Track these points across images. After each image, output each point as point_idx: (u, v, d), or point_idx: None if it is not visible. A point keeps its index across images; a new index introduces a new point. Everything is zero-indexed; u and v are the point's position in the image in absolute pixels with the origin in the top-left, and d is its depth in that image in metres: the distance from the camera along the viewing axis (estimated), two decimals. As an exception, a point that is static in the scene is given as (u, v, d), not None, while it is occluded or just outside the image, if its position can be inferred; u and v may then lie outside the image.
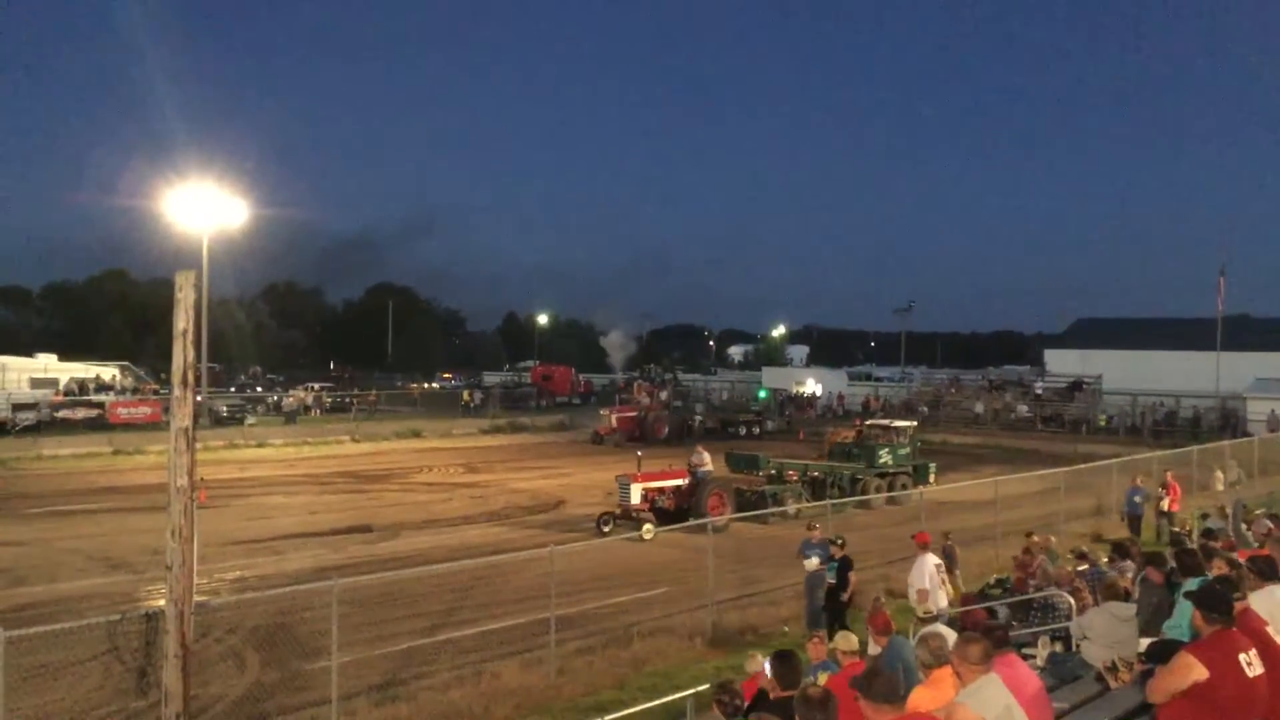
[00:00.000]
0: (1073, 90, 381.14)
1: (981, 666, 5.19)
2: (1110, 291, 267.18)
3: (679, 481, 25.73)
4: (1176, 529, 19.73)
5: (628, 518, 24.74)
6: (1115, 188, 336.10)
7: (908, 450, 32.16)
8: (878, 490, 29.32)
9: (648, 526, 23.52)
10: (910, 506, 25.95)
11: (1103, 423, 52.20)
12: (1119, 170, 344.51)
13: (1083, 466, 27.09)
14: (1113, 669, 8.18)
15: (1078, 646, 9.88)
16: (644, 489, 25.12)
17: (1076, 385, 57.52)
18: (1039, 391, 59.46)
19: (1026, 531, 17.55)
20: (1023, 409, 55.80)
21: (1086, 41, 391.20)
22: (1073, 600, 11.96)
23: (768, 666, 7.10)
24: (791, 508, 26.35)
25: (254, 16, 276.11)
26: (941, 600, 13.19)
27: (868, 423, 35.92)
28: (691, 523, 22.35)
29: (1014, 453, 44.32)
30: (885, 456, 31.12)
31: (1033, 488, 26.22)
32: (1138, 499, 23.06)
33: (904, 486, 30.16)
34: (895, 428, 33.09)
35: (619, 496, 25.31)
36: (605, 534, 23.62)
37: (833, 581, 14.97)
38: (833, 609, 14.84)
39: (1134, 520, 22.88)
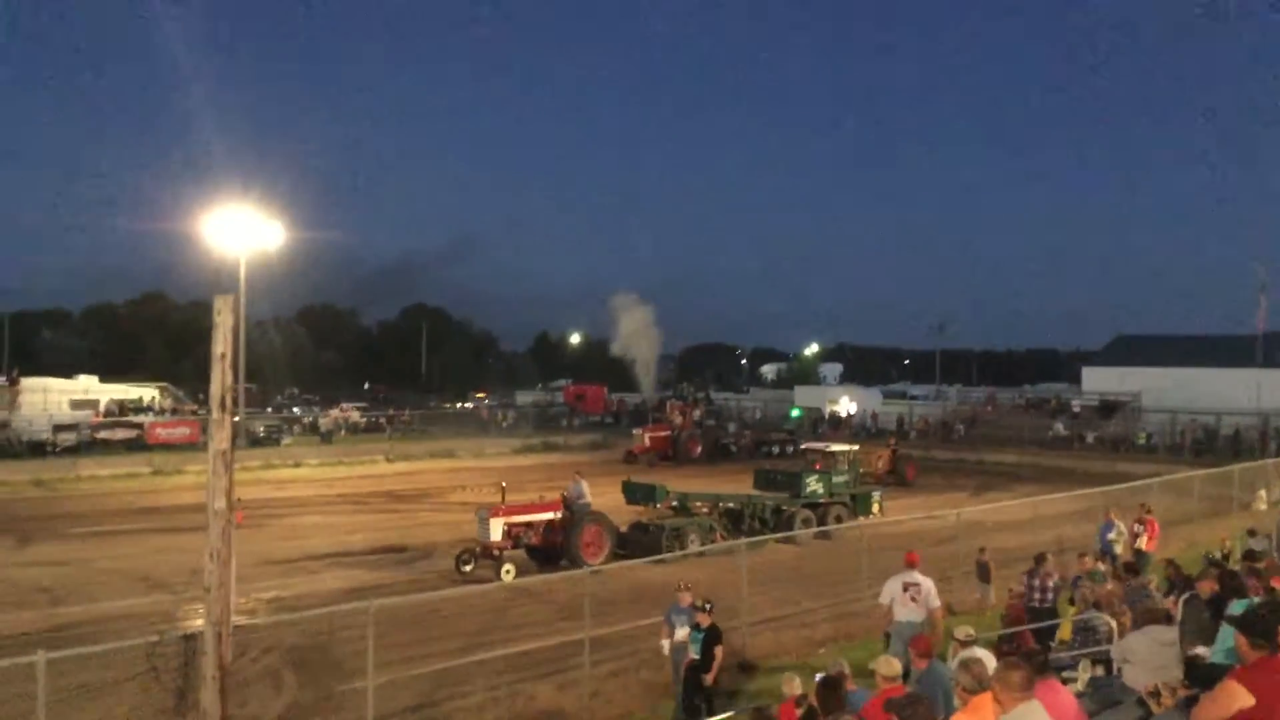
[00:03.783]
0: (1112, 103, 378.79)
1: (1023, 693, 5.13)
2: (1149, 308, 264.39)
3: (550, 515, 22.77)
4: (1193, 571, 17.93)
5: (489, 556, 21.81)
6: (1154, 202, 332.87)
7: (846, 478, 29.06)
8: (805, 523, 26.00)
9: (508, 567, 21.02)
10: (850, 538, 23.85)
11: (1142, 441, 51.59)
12: (1158, 185, 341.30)
13: (1122, 486, 26.77)
14: (1155, 694, 8.05)
15: (1119, 670, 9.75)
16: (506, 524, 21.97)
17: (1111, 406, 56.90)
18: (1076, 410, 58.91)
19: (1080, 553, 17.37)
20: (1060, 427, 55.26)
21: (1127, 55, 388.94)
22: (1113, 623, 11.81)
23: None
24: (695, 546, 23.02)
25: (293, 45, 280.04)
26: (904, 616, 13.20)
27: (803, 446, 33.76)
28: (562, 574, 19.60)
29: (1052, 471, 43.90)
30: (814, 485, 27.91)
31: (1071, 507, 25.93)
32: (1110, 536, 20.37)
33: (838, 519, 27.03)
34: (832, 452, 30.37)
35: (478, 532, 22.29)
36: (465, 574, 21.25)
37: (695, 657, 12.06)
38: (696, 692, 12.03)
39: (1106, 560, 20.04)
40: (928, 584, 13.45)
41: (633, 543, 23.45)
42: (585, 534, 22.50)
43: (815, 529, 25.27)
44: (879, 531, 21.97)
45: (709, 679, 11.80)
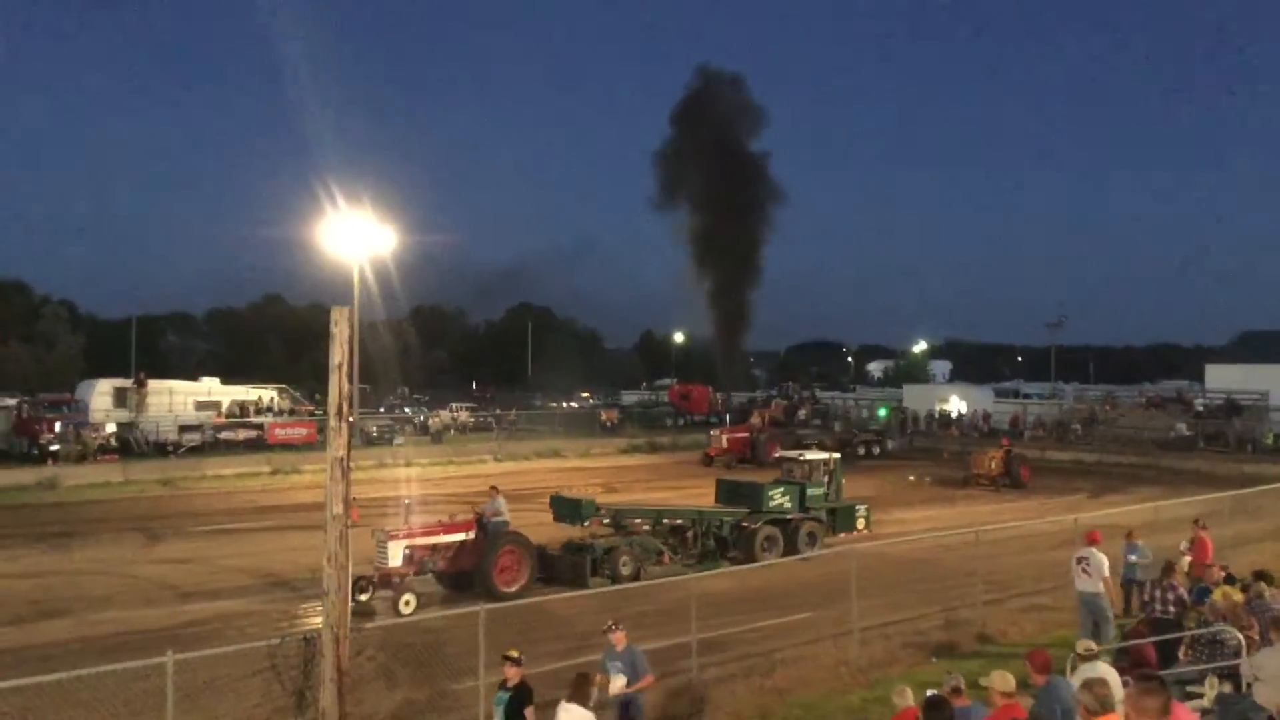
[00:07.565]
0: (1225, 89, 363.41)
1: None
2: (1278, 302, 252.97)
3: (461, 536, 20.43)
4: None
5: (387, 585, 19.21)
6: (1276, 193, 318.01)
7: (822, 490, 25.44)
8: (768, 541, 23.39)
9: (408, 597, 18.62)
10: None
11: (1270, 441, 49.39)
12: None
13: (1249, 490, 25.66)
14: (1290, 715, 7.72)
15: (1248, 687, 9.38)
16: (408, 547, 19.50)
17: (1236, 405, 54.58)
18: (1199, 409, 56.73)
19: (1207, 563, 16.72)
20: (1182, 427, 53.30)
21: (1236, 41, 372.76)
22: (1241, 636, 11.36)
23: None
24: (626, 570, 21.07)
25: (409, 50, 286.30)
26: (1081, 586, 15.34)
27: (776, 455, 30.66)
28: (470, 608, 14.96)
29: (1174, 473, 42.35)
30: (779, 499, 24.28)
31: (1196, 512, 24.92)
32: (1133, 558, 17.64)
33: (811, 536, 24.04)
34: (808, 461, 26.72)
35: (376, 557, 19.51)
36: (362, 602, 18.24)
37: None
38: None
39: (1131, 588, 17.43)
40: (1098, 557, 15.22)
41: (557, 567, 21.21)
42: (500, 558, 20.11)
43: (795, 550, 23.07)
44: (993, 536, 21.39)
45: None
